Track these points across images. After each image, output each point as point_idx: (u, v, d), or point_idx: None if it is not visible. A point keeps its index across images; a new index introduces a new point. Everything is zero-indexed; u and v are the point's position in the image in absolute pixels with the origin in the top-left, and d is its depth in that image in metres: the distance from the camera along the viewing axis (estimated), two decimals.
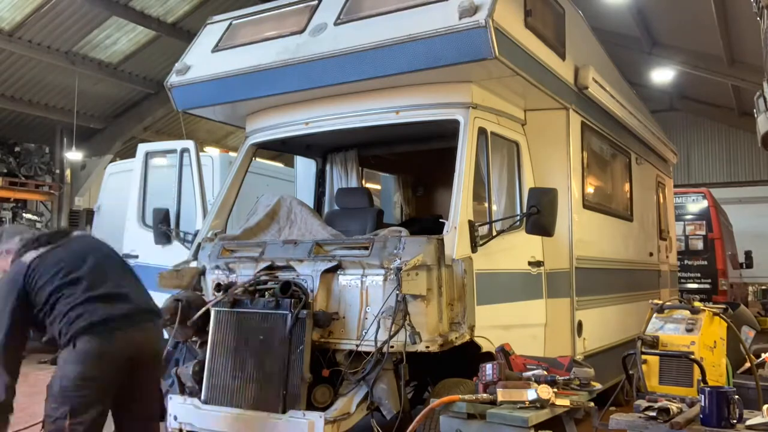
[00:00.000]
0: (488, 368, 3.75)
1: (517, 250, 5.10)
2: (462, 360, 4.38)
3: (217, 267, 4.94)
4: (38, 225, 16.44)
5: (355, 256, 4.47)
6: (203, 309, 4.59)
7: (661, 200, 9.06)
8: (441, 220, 4.73)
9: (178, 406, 4.57)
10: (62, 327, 3.48)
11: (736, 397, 3.05)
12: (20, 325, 3.58)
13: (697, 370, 3.87)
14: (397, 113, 5.02)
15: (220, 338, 4.53)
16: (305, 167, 7.06)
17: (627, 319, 6.83)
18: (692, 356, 3.93)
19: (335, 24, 5.08)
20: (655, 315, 4.39)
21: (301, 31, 5.23)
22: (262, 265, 4.69)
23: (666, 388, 3.99)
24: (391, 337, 4.03)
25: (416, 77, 4.79)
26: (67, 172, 16.76)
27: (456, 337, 4.21)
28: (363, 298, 4.33)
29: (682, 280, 12.01)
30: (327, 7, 5.28)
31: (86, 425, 3.38)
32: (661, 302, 4.51)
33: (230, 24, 5.90)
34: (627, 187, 7.63)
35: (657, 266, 8.49)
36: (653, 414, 3.13)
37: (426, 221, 6.45)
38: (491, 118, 5.07)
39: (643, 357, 4.08)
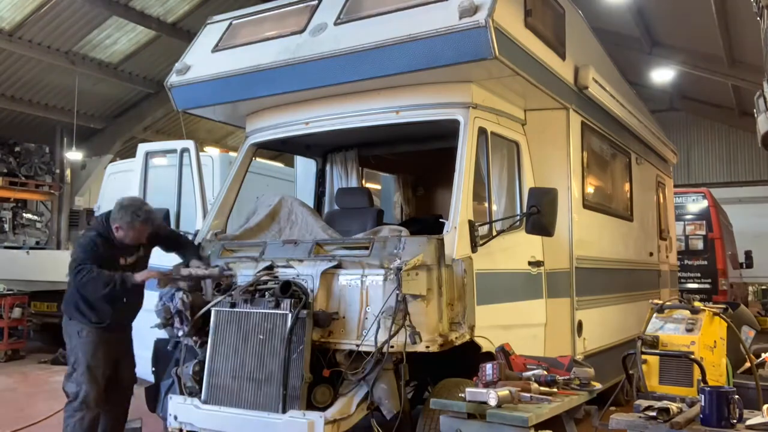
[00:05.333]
0: (488, 368, 3.75)
1: (517, 250, 5.10)
2: (462, 360, 4.37)
3: (217, 267, 4.93)
4: (38, 225, 16.47)
5: (356, 256, 4.47)
6: (204, 309, 4.60)
7: (661, 200, 9.06)
8: (441, 220, 4.73)
9: (178, 406, 4.57)
10: None
11: (736, 397, 3.05)
12: None
13: (697, 370, 3.87)
14: (397, 113, 5.02)
15: (220, 338, 4.53)
16: (305, 167, 7.06)
17: (627, 319, 6.83)
18: (692, 356, 3.93)
19: (335, 24, 5.08)
20: (655, 315, 4.39)
21: (301, 31, 5.23)
22: (263, 265, 4.69)
23: (666, 388, 3.99)
24: (391, 337, 4.03)
25: (416, 77, 4.79)
26: (67, 172, 16.77)
27: (456, 337, 4.21)
28: (363, 298, 4.33)
29: (682, 280, 12.00)
30: (327, 7, 5.28)
31: None
32: (661, 302, 4.51)
33: (230, 24, 5.91)
34: (627, 187, 7.63)
35: (657, 266, 8.49)
36: (653, 414, 3.13)
37: (426, 221, 6.45)
38: (491, 118, 5.06)
39: (643, 357, 4.08)
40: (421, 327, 4.07)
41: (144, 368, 5.25)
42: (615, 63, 7.64)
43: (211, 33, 5.96)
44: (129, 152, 14.99)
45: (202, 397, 4.49)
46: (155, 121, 18.23)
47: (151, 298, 4.96)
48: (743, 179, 21.83)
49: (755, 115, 7.11)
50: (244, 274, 4.76)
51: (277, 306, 4.33)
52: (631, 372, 4.12)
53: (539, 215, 4.63)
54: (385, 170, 7.78)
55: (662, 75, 18.43)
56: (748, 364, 4.29)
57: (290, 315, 4.26)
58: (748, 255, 15.47)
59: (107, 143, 17.79)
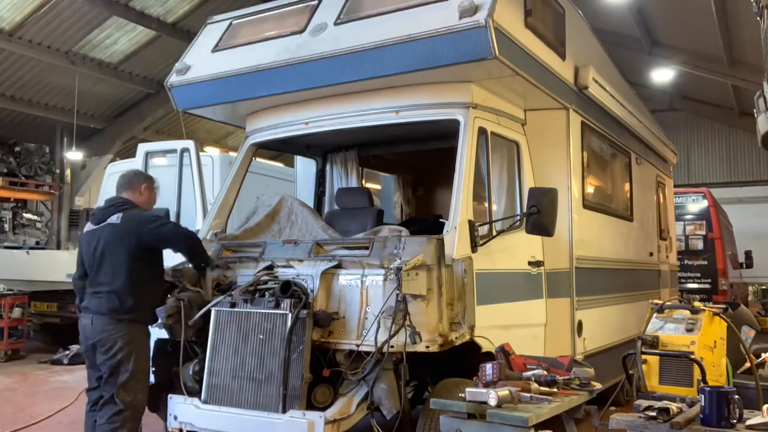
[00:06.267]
0: (488, 368, 3.75)
1: (517, 250, 5.10)
2: (462, 360, 4.37)
3: (218, 267, 4.94)
4: (38, 225, 16.47)
5: (356, 256, 4.47)
6: (204, 309, 4.60)
7: (661, 200, 9.06)
8: (441, 219, 4.73)
9: (178, 406, 4.57)
10: None
11: (736, 397, 3.05)
12: None
13: (697, 370, 3.87)
14: (397, 113, 5.02)
15: (220, 338, 4.53)
16: (305, 167, 7.06)
17: (627, 319, 6.83)
18: (692, 356, 3.93)
19: (335, 24, 5.08)
20: (655, 315, 4.40)
21: (301, 31, 5.23)
22: (263, 264, 4.70)
23: (666, 388, 3.99)
24: (391, 337, 4.03)
25: (416, 77, 4.79)
26: (67, 172, 16.76)
27: (456, 337, 4.20)
28: (363, 297, 4.33)
29: (682, 280, 12.01)
30: (327, 7, 5.28)
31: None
32: (661, 302, 4.51)
33: (230, 24, 5.91)
34: (627, 187, 7.63)
35: (657, 266, 8.49)
36: (653, 414, 3.13)
37: (426, 221, 6.45)
38: (491, 118, 5.07)
39: (643, 357, 4.08)
40: (421, 327, 4.07)
41: None
42: (615, 63, 7.65)
43: (211, 33, 5.96)
44: (129, 152, 15.00)
45: (202, 397, 4.49)
46: (155, 121, 18.24)
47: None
48: (743, 179, 21.84)
49: (755, 115, 7.12)
50: (245, 273, 4.76)
51: (277, 306, 4.33)
52: (631, 372, 4.12)
53: (539, 215, 4.63)
54: (385, 170, 7.78)
55: (662, 75, 18.44)
56: (748, 364, 4.29)
57: (290, 315, 4.25)
58: (748, 255, 15.47)
59: (107, 143, 17.79)
